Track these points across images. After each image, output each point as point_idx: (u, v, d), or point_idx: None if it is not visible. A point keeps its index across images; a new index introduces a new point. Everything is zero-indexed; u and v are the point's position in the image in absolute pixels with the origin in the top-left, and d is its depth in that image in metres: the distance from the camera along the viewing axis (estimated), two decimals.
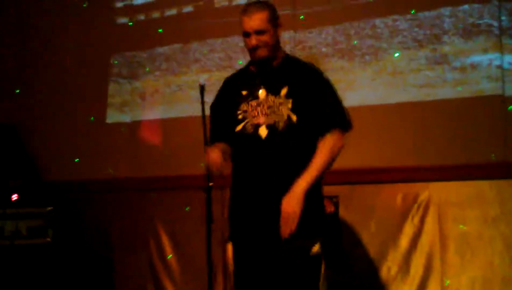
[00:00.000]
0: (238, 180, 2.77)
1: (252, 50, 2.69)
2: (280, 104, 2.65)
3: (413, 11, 4.67)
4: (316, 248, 2.64)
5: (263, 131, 2.66)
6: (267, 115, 2.66)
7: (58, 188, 5.42)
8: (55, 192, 5.34)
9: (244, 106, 2.74)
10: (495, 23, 4.40)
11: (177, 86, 5.46)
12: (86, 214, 5.33)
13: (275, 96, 2.67)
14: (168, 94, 5.48)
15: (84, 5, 5.88)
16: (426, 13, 4.65)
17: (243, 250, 2.73)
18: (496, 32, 4.39)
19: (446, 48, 4.56)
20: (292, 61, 2.81)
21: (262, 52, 2.68)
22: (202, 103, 4.56)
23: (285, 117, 2.63)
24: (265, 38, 2.65)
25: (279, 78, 2.71)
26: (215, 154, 2.66)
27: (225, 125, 2.79)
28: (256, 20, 2.63)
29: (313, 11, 5.02)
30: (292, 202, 2.53)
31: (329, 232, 2.92)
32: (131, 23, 5.72)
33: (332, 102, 2.71)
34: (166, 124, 5.40)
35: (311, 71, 2.77)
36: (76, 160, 5.56)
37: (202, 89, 4.52)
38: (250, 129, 2.69)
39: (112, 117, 5.69)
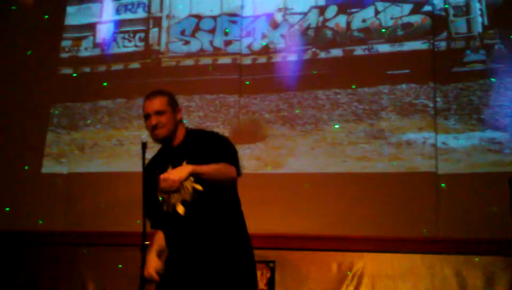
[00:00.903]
0: (168, 257, 2.87)
1: (152, 130, 2.90)
2: (185, 179, 2.74)
3: (353, 86, 4.87)
4: None
5: (180, 208, 2.81)
6: (179, 194, 2.79)
7: None
8: None
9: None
10: (431, 104, 4.65)
11: (117, 140, 5.42)
12: (14, 267, 5.09)
13: None
14: (108, 147, 5.41)
15: (29, 53, 5.80)
16: (366, 89, 4.86)
17: None
18: (431, 112, 4.63)
19: (384, 124, 4.77)
20: (192, 134, 2.99)
21: (161, 132, 2.89)
22: (143, 159, 4.59)
23: (191, 190, 2.79)
24: (163, 119, 2.88)
25: (180, 154, 2.88)
26: (154, 264, 2.81)
27: (154, 208, 2.93)
28: (156, 102, 2.89)
29: (258, 78, 5.15)
30: (171, 172, 2.68)
31: None
32: (75, 74, 5.68)
33: (225, 150, 2.86)
34: (104, 178, 5.30)
35: (207, 134, 2.98)
36: (6, 209, 5.35)
37: (144, 146, 4.57)
38: (170, 208, 2.84)
39: (48, 167, 5.54)
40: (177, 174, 2.64)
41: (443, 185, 4.48)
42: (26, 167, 5.48)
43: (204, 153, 2.80)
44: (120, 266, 4.89)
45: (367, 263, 4.47)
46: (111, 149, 5.41)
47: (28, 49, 5.82)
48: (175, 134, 2.93)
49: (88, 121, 5.53)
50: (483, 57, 4.63)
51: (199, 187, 2.78)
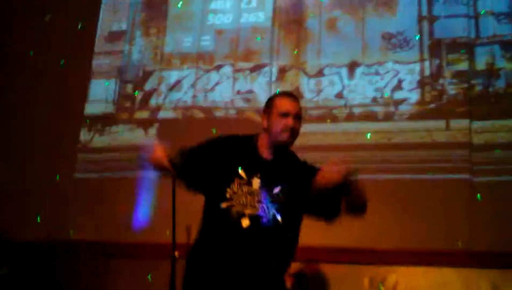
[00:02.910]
0: (206, 261, 2.67)
1: (284, 131, 2.65)
2: (271, 202, 2.61)
3: None
4: None
5: (245, 221, 2.61)
6: (254, 208, 2.62)
7: (16, 248, 5.20)
8: (12, 252, 5.12)
9: (235, 187, 2.66)
10: None
11: None
12: (44, 278, 5.11)
13: (267, 192, 2.64)
14: None
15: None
16: None
17: None
18: None
19: None
20: (294, 159, 2.77)
21: (292, 138, 2.67)
22: (173, 194, 4.57)
23: (271, 215, 2.60)
24: (298, 125, 2.68)
25: (276, 173, 2.66)
26: (160, 153, 2.64)
27: (201, 178, 2.72)
28: (298, 106, 2.69)
29: None
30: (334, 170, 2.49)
31: None
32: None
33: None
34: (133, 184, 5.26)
35: (309, 171, 2.69)
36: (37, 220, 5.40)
37: (174, 180, 4.55)
38: (234, 214, 2.62)
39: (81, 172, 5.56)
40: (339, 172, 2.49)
41: (479, 196, 4.35)
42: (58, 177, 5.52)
43: (301, 194, 2.61)
44: (149, 276, 4.88)
45: (400, 277, 4.34)
46: None
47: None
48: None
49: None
50: None
51: (279, 220, 2.60)
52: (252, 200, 2.61)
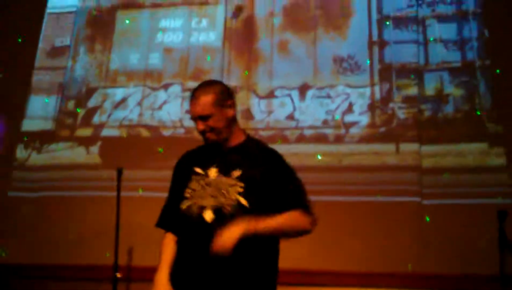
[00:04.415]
0: (179, 262, 2.54)
1: (201, 134, 2.57)
2: (231, 186, 2.51)
3: None
4: None
5: (208, 215, 2.49)
6: (215, 198, 2.51)
7: None
8: None
9: (193, 184, 2.57)
10: None
11: None
12: None
13: (226, 178, 2.54)
14: None
15: None
16: None
17: None
18: None
19: None
20: (251, 144, 2.67)
21: (211, 136, 2.55)
22: (118, 186, 4.40)
23: (234, 201, 2.48)
24: (211, 123, 2.52)
25: (234, 159, 2.56)
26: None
27: (174, 203, 2.61)
28: (200, 105, 2.52)
29: None
30: (226, 235, 2.33)
31: None
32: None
33: (298, 191, 2.54)
34: (75, 202, 5.05)
35: (270, 153, 2.63)
36: None
37: (119, 172, 4.38)
38: (195, 210, 2.51)
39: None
40: (231, 237, 2.30)
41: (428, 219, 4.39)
42: None
43: (264, 180, 2.48)
44: None
45: None
46: None
47: None
48: (230, 134, 2.57)
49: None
50: None
51: (244, 202, 2.45)
52: (212, 190, 2.51)
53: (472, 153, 4.52)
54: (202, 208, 2.49)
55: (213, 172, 2.55)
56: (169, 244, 2.59)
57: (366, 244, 4.36)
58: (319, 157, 4.75)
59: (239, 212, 2.44)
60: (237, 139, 2.62)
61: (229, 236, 2.32)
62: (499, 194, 4.34)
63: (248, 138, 2.68)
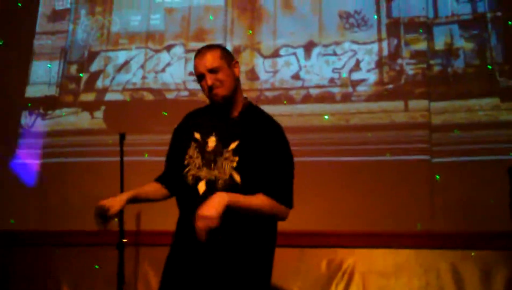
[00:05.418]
0: (177, 231, 2.57)
1: (209, 91, 2.50)
2: (226, 159, 2.46)
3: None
4: None
5: (201, 186, 2.47)
6: (210, 169, 2.47)
7: None
8: None
9: (191, 151, 2.56)
10: None
11: None
12: None
13: (224, 149, 2.48)
14: None
15: None
16: None
17: None
18: None
19: None
20: (252, 112, 2.60)
21: (220, 91, 2.48)
22: (121, 152, 4.35)
23: (227, 175, 2.45)
24: (220, 76, 2.48)
25: (234, 129, 2.52)
26: (117, 200, 2.57)
27: (173, 164, 2.64)
28: (209, 58, 2.49)
29: None
30: (208, 207, 2.29)
31: None
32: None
33: (282, 174, 2.49)
34: (81, 168, 5.01)
35: (270, 128, 2.56)
36: None
37: (122, 137, 4.32)
38: (190, 180, 2.51)
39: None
40: (214, 210, 2.26)
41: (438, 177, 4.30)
42: None
43: (258, 155, 2.44)
44: (96, 266, 4.63)
45: (358, 260, 4.27)
46: None
47: None
48: (235, 96, 2.53)
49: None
50: None
51: (237, 178, 2.43)
52: (208, 160, 2.50)
53: (483, 109, 4.40)
54: (198, 179, 2.49)
55: (212, 141, 2.53)
56: (152, 183, 2.67)
57: (375, 204, 4.30)
58: (326, 117, 4.65)
59: (229, 187, 2.42)
60: (239, 107, 2.58)
61: (213, 210, 2.27)
62: (510, 150, 4.24)
63: (250, 105, 2.63)
